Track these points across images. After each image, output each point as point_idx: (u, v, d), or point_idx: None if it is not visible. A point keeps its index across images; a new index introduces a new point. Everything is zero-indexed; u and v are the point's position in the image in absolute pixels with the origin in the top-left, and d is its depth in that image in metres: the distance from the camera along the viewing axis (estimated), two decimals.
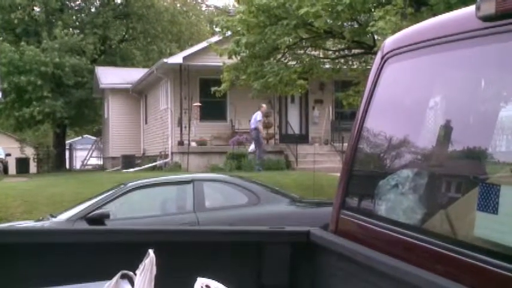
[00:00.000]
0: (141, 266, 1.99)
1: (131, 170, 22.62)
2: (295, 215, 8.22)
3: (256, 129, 18.49)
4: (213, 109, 21.72)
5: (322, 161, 19.31)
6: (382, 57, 2.57)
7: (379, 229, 2.34)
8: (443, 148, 2.19)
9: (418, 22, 2.54)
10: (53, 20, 30.98)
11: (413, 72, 2.45)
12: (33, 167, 31.54)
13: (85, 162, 34.53)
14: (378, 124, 2.62)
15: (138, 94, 27.36)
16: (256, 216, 7.86)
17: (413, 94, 2.44)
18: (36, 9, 31.50)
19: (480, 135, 2.00)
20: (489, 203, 1.80)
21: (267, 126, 21.50)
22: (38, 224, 7.98)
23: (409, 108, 2.47)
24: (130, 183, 8.66)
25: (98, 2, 33.92)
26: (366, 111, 2.62)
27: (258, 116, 18.63)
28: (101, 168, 30.40)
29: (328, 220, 2.83)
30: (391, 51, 2.51)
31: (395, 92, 2.58)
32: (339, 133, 20.83)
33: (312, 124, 22.91)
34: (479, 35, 1.94)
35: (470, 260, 1.82)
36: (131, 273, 2.04)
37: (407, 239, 2.14)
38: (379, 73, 2.58)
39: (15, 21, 29.73)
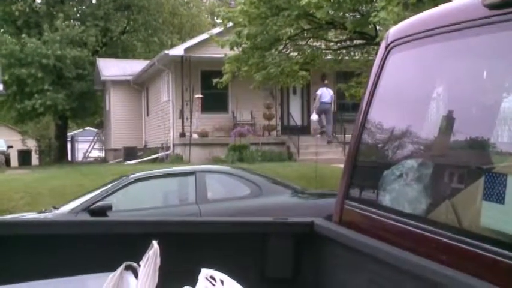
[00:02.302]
0: (145, 258, 1.98)
1: (133, 162, 22.63)
2: (297, 206, 8.22)
3: (331, 103, 20.17)
4: (214, 101, 21.69)
5: (324, 152, 19.30)
6: (386, 47, 2.55)
7: (383, 219, 2.33)
8: (448, 138, 2.18)
9: (420, 12, 2.52)
10: (54, 12, 30.90)
11: (417, 62, 2.43)
12: (35, 159, 31.63)
13: (87, 154, 34.56)
14: (382, 114, 2.60)
15: (140, 86, 27.32)
16: (258, 208, 7.87)
17: (418, 84, 2.42)
18: (37, 0, 31.44)
19: (486, 125, 1.99)
20: (496, 192, 1.78)
21: (268, 117, 21.47)
22: (41, 216, 7.98)
23: (413, 98, 2.45)
24: (133, 175, 8.66)
25: None
26: (370, 101, 2.61)
27: (331, 91, 20.13)
28: (102, 160, 30.42)
29: (330, 211, 2.82)
30: (396, 40, 2.49)
31: (400, 82, 2.56)
32: (340, 124, 20.81)
33: None
34: (486, 23, 1.92)
35: (476, 250, 1.81)
36: (135, 264, 2.03)
37: (412, 229, 2.13)
38: (383, 63, 2.56)
39: (16, 13, 29.68)
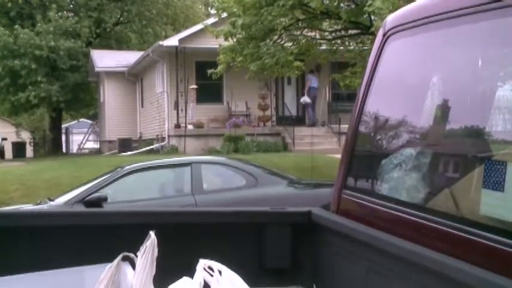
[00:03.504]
0: (142, 248, 1.97)
1: (128, 153, 22.57)
2: (293, 196, 8.21)
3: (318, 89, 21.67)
4: (209, 91, 21.62)
5: (319, 143, 19.32)
6: (384, 35, 2.52)
7: (381, 208, 2.32)
8: (447, 126, 2.17)
9: (414, 2, 2.49)
10: (47, 3, 30.66)
11: (416, 50, 2.41)
12: (29, 151, 31.48)
13: (81, 146, 34.47)
14: (380, 103, 2.58)
15: (134, 77, 27.22)
16: (254, 198, 7.86)
17: (416, 72, 2.40)
18: None
19: (485, 113, 1.97)
20: (495, 180, 1.77)
21: (263, 108, 21.45)
22: (37, 208, 7.95)
23: (411, 86, 2.44)
24: (128, 167, 8.63)
25: None
26: (367, 90, 2.59)
27: (316, 78, 21.66)
28: (97, 152, 30.34)
29: (326, 201, 2.81)
30: (393, 28, 2.47)
31: (398, 70, 2.54)
32: (335, 114, 20.81)
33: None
34: (486, 9, 1.90)
35: (474, 238, 1.80)
36: (132, 255, 2.02)
37: (410, 217, 2.12)
38: (381, 51, 2.54)
39: (9, 4, 29.42)
